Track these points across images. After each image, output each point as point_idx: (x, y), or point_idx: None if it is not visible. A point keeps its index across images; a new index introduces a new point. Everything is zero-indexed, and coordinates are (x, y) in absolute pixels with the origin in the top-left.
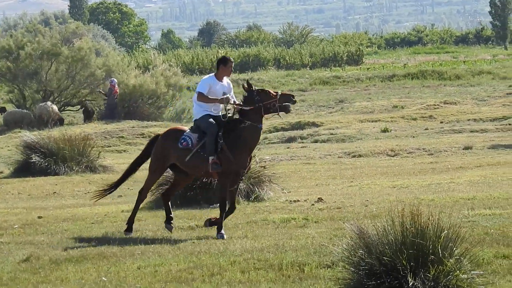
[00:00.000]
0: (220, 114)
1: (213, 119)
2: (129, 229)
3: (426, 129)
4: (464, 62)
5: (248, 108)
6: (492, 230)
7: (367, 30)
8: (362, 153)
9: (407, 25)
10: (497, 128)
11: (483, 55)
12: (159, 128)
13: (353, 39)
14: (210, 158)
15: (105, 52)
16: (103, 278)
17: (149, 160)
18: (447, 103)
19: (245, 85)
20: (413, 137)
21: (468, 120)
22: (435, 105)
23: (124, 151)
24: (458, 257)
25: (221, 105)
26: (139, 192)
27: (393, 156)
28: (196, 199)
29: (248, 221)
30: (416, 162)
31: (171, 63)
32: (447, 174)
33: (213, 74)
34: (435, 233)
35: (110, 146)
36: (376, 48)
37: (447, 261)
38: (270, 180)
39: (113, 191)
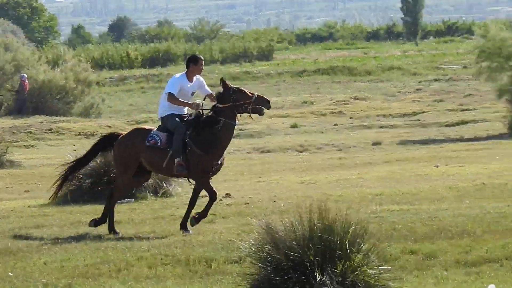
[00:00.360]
0: (186, 113)
1: (180, 119)
2: (98, 222)
3: (336, 124)
4: (374, 58)
5: (222, 106)
6: (399, 226)
7: (278, 26)
8: (271, 148)
9: (319, 21)
10: (406, 124)
11: (394, 51)
12: (67, 123)
13: (264, 35)
14: (176, 159)
15: (15, 47)
16: (9, 273)
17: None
18: (357, 99)
19: (221, 83)
20: (322, 132)
21: (378, 115)
22: (344, 100)
23: (32, 146)
24: (365, 253)
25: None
26: (110, 194)
27: (302, 152)
28: (104, 194)
29: (155, 216)
30: (324, 158)
31: (81, 59)
32: (356, 170)
33: (184, 72)
34: (343, 228)
35: (18, 141)
36: (287, 44)
37: (355, 257)
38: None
39: (62, 185)
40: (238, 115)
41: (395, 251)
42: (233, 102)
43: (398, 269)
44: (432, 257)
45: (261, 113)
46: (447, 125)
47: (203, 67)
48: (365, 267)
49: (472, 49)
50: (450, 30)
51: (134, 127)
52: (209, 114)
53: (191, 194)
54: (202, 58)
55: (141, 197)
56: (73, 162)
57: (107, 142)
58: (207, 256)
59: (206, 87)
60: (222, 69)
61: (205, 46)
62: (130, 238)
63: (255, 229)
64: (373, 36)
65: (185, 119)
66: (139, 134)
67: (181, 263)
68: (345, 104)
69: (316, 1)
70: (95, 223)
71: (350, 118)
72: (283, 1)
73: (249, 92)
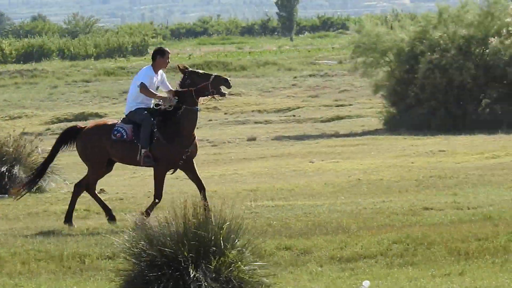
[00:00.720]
0: (152, 105)
1: (147, 110)
2: (69, 220)
3: (210, 120)
4: (249, 53)
5: (182, 90)
6: (274, 222)
7: (152, 21)
8: None
9: (193, 15)
10: (281, 120)
11: (269, 46)
12: None
13: (138, 30)
14: (143, 150)
15: None
16: None
17: None
18: (232, 94)
19: (180, 67)
20: (197, 128)
21: (253, 111)
22: None
23: None
24: (240, 249)
25: (153, 100)
26: (76, 185)
27: None
28: None
29: (29, 212)
30: (199, 154)
31: None
32: (231, 166)
33: (150, 65)
34: (217, 224)
35: None
36: (162, 39)
37: (229, 253)
38: (52, 171)
39: (33, 185)
40: (202, 99)
41: (269, 247)
42: (189, 86)
43: (272, 265)
44: (307, 253)
45: (223, 94)
46: (322, 121)
47: (169, 60)
48: (239, 263)
49: (347, 44)
50: (325, 25)
51: (96, 122)
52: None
53: None
54: (169, 51)
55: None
56: (42, 162)
57: (69, 135)
58: (80, 252)
59: (167, 83)
60: (96, 64)
61: (79, 41)
62: (4, 234)
63: (129, 224)
64: (248, 31)
65: (150, 111)
66: (104, 129)
67: (55, 259)
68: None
69: None
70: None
71: (225, 113)
72: None
73: (205, 73)
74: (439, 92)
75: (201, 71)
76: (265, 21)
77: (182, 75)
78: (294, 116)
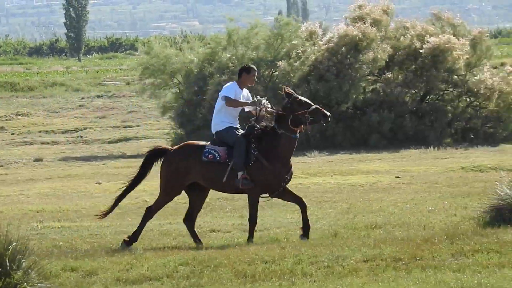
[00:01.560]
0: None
1: (238, 132)
2: (129, 242)
3: None
4: (37, 73)
5: (281, 112)
6: (61, 243)
7: None
8: None
9: None
10: (68, 140)
11: (57, 67)
12: None
13: None
14: (239, 173)
15: None
16: None
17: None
18: (19, 115)
19: (285, 90)
20: None
21: (40, 132)
22: (6, 116)
23: None
24: (26, 270)
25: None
26: (147, 210)
27: None
28: None
29: None
30: None
31: None
32: (17, 186)
33: (235, 82)
34: (3, 245)
35: None
36: None
37: (15, 274)
38: None
39: (113, 209)
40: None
41: (55, 268)
42: (291, 112)
43: (58, 287)
44: (93, 274)
45: (318, 124)
46: (109, 142)
47: (255, 79)
48: (25, 284)
49: (136, 65)
50: (113, 46)
51: (185, 142)
52: (271, 124)
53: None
54: (255, 68)
55: None
56: (129, 182)
57: (155, 157)
58: None
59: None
60: None
61: None
62: None
63: None
64: (36, 51)
65: (243, 130)
66: (194, 149)
67: None
68: (7, 120)
69: None
70: (127, 243)
71: (12, 134)
72: None
73: (307, 102)
74: None
75: (303, 99)
76: (54, 42)
77: (286, 99)
78: (81, 137)
